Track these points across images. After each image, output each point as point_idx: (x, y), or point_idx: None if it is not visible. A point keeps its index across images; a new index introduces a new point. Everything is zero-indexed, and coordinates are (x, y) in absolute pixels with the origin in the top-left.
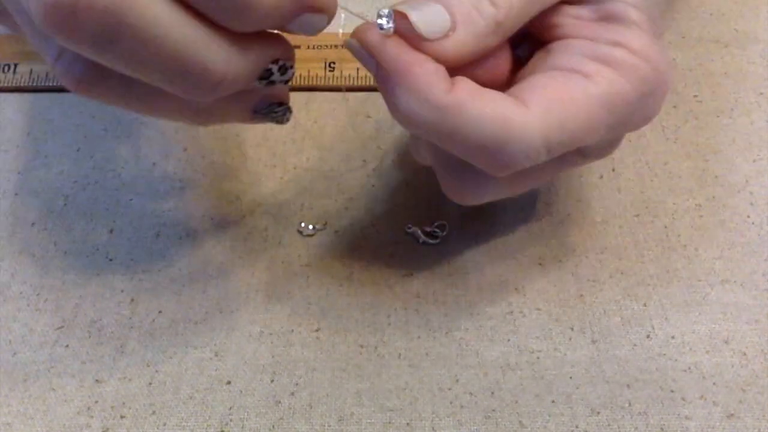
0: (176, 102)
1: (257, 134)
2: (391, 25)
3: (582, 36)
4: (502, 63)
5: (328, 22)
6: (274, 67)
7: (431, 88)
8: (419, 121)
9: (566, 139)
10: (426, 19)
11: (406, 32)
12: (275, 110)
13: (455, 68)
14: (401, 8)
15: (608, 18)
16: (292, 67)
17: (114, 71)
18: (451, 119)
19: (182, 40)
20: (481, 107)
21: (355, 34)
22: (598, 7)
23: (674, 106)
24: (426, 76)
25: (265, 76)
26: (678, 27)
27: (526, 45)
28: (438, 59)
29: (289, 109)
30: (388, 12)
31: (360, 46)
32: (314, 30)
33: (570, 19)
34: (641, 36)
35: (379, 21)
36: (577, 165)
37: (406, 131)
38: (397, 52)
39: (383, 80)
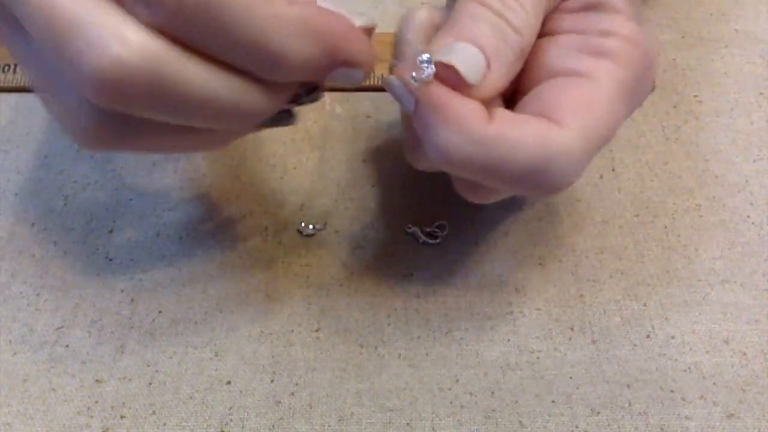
0: (200, 138)
1: (258, 134)
2: (432, 70)
3: (570, 29)
4: None
5: (366, 77)
6: (302, 91)
7: (474, 123)
8: (463, 158)
9: (600, 143)
10: (468, 65)
11: (445, 77)
12: (280, 121)
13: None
14: (442, 59)
15: (593, 7)
16: (318, 88)
17: (134, 124)
18: (495, 151)
19: (223, 93)
20: (520, 134)
21: (396, 73)
22: None
23: (674, 106)
24: (468, 113)
25: (294, 100)
26: (678, 27)
27: None
28: (476, 97)
29: (292, 115)
30: (428, 58)
31: (400, 84)
32: (351, 83)
33: (556, 13)
34: (627, 22)
35: (422, 67)
36: None
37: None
38: (438, 91)
39: (423, 119)
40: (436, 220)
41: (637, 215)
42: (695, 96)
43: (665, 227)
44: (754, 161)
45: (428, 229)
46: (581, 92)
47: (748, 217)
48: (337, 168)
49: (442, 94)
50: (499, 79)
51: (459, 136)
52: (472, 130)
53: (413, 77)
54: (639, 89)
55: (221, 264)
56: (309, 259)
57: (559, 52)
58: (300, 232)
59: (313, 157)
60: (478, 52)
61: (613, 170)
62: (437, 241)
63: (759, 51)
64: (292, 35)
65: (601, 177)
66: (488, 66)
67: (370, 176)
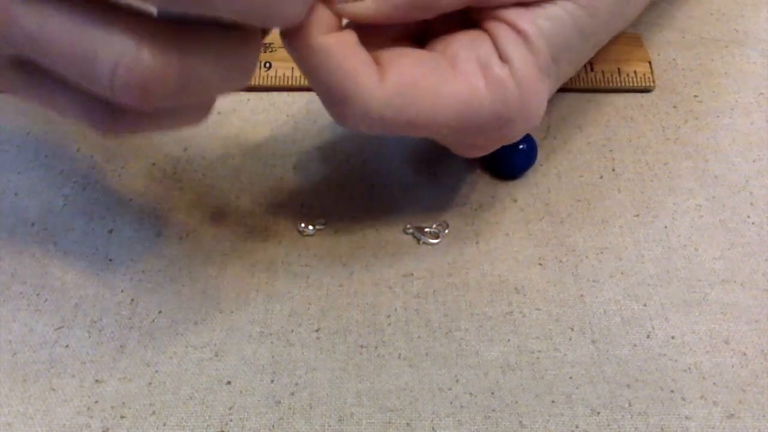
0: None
1: (257, 134)
2: None
3: (491, 30)
4: None
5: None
6: None
7: (311, 28)
8: (291, 41)
9: (403, 122)
10: None
11: None
12: None
13: None
14: None
15: (520, 31)
16: None
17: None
18: (314, 58)
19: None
20: (341, 61)
21: None
22: (518, 14)
23: (674, 106)
24: (316, 17)
25: None
26: (678, 26)
27: None
28: (341, 12)
29: None
30: None
31: None
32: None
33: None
34: (531, 68)
35: None
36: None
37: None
38: None
39: None
40: (436, 220)
41: (637, 215)
42: (695, 96)
43: (665, 227)
44: (754, 161)
45: (428, 229)
46: (429, 71)
47: (748, 217)
48: (337, 168)
49: None
50: (375, 13)
51: (299, 32)
52: (310, 33)
53: None
54: (494, 125)
55: (221, 264)
56: (309, 259)
57: (465, 43)
58: (300, 232)
59: (313, 157)
60: None
61: (613, 170)
62: (437, 241)
63: (759, 51)
64: None
65: (601, 177)
66: None
67: (370, 176)
